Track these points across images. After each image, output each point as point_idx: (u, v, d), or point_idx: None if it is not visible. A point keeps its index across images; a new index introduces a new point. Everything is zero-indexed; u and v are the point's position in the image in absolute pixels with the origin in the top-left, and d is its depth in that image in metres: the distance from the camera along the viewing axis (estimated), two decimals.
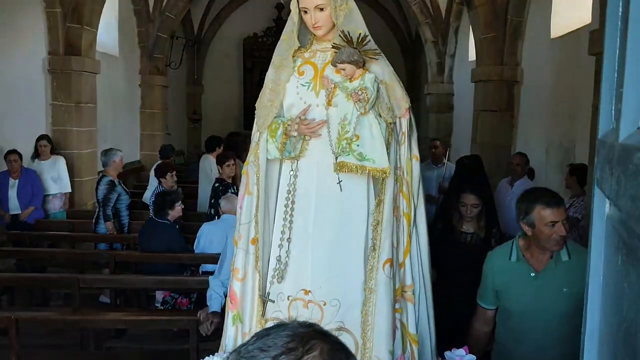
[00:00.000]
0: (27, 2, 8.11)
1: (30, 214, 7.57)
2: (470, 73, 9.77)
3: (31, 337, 4.75)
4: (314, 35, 3.08)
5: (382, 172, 2.75)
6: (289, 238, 2.86)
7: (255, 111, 3.06)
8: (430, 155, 8.09)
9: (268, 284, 2.89)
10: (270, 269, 2.90)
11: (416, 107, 17.00)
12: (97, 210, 6.91)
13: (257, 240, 2.93)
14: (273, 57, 3.13)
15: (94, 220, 6.92)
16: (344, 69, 2.78)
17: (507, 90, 9.04)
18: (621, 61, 0.81)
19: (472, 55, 10.54)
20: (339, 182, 2.81)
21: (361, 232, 2.83)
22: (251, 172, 2.98)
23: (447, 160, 7.37)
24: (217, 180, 6.90)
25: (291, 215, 2.88)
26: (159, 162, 8.71)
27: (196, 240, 5.93)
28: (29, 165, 7.93)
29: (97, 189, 6.89)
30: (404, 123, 2.96)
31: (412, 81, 17.46)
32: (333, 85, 2.84)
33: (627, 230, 0.73)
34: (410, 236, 3.02)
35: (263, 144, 2.94)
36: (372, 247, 2.83)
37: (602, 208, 1.04)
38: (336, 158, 2.76)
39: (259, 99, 3.07)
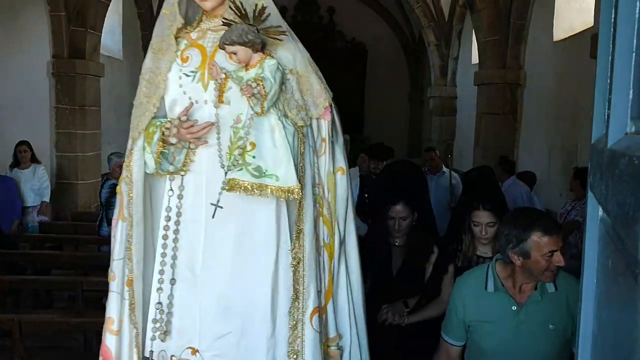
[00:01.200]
0: (31, 5, 8.15)
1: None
2: (474, 76, 9.78)
3: (35, 339, 4.77)
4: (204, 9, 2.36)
5: (289, 192, 2.10)
6: (172, 279, 2.22)
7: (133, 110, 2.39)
8: (425, 165, 7.39)
9: (149, 340, 2.26)
10: (149, 320, 2.25)
11: (419, 110, 17.11)
12: (101, 213, 6.93)
13: (133, 281, 2.23)
14: (152, 37, 2.40)
15: (97, 223, 6.94)
16: (234, 53, 2.15)
17: (510, 94, 9.06)
18: (611, 67, 0.83)
19: (475, 58, 10.56)
20: (216, 207, 2.16)
21: (267, 273, 2.17)
22: (124, 191, 2.29)
23: (449, 168, 7.08)
24: None
25: (174, 249, 2.23)
26: None
27: None
28: (7, 174, 7.53)
29: (100, 191, 6.91)
30: (323, 126, 2.38)
31: (416, 84, 17.50)
32: (224, 76, 2.18)
33: (615, 235, 0.74)
34: (333, 274, 2.38)
35: (138, 154, 2.26)
36: (295, 296, 2.19)
37: (595, 212, 1.05)
38: (226, 174, 2.12)
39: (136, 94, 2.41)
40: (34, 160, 7.69)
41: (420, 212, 3.49)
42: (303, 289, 2.21)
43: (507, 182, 6.50)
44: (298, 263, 2.19)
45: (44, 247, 7.18)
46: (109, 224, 6.72)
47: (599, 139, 0.98)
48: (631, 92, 0.74)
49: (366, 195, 5.71)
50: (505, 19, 8.94)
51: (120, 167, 7.10)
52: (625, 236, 0.62)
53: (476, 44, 9.87)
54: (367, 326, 2.55)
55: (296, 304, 2.19)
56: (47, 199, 7.92)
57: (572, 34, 7.33)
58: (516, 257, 2.52)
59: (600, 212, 1.03)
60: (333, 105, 2.44)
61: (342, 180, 2.42)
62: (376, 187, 4.78)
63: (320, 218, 2.32)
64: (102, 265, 6.72)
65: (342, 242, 2.43)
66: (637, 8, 0.73)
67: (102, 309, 6.59)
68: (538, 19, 8.55)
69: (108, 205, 6.74)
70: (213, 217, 2.16)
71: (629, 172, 0.62)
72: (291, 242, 2.20)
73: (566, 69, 7.43)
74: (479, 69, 9.60)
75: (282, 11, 17.06)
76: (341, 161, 2.47)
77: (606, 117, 0.86)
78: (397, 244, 3.43)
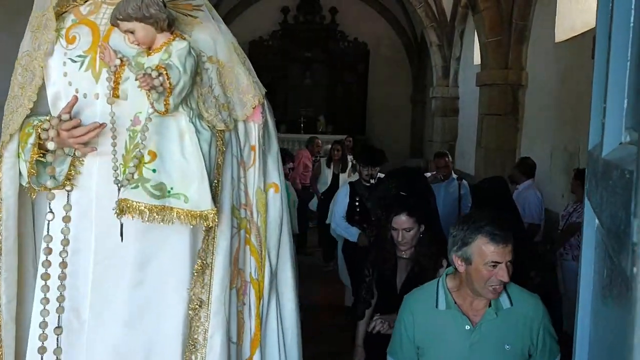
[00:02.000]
0: (30, 7, 8.14)
1: None
2: (475, 77, 9.77)
3: None
4: None
5: (201, 217, 1.59)
6: (58, 327, 1.68)
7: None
8: (439, 173, 6.97)
9: None
10: None
11: (421, 110, 17.11)
12: None
13: (2, 327, 1.70)
14: (32, 12, 1.97)
15: None
16: (131, 32, 1.62)
17: (512, 94, 9.04)
18: (606, 76, 0.83)
19: (477, 58, 10.55)
20: (121, 232, 1.62)
21: (177, 318, 1.70)
22: None
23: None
24: None
25: (60, 288, 1.69)
26: None
27: None
28: None
29: None
30: (252, 131, 1.92)
31: (418, 85, 17.50)
32: (119, 62, 1.65)
33: (609, 245, 0.74)
34: (261, 317, 1.91)
35: (9, 161, 1.72)
36: (193, 347, 1.71)
37: (592, 219, 1.05)
38: (119, 191, 1.60)
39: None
40: None
41: (426, 223, 3.32)
42: (204, 340, 1.71)
43: (522, 185, 6.46)
44: (200, 306, 1.69)
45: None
46: None
47: (595, 146, 0.98)
48: (626, 101, 0.74)
49: (357, 204, 5.55)
50: (507, 19, 8.93)
51: None
52: (617, 250, 0.62)
53: (478, 44, 9.86)
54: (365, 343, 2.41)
55: (193, 358, 1.70)
56: None
57: (574, 34, 7.32)
58: (459, 262, 2.35)
59: (596, 220, 1.03)
60: (267, 104, 1.97)
61: (275, 199, 1.95)
62: (377, 196, 4.48)
63: (247, 247, 1.84)
64: None
65: (274, 277, 1.95)
66: (632, 17, 0.73)
67: None
68: (540, 19, 8.54)
69: None
70: (106, 245, 1.66)
71: (621, 184, 0.62)
72: (192, 278, 1.70)
73: (568, 70, 7.41)
74: (480, 70, 9.59)
75: (284, 11, 17.15)
76: (274, 175, 1.98)
77: (601, 125, 0.86)
78: (403, 256, 3.26)
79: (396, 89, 17.63)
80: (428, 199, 3.97)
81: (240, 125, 1.88)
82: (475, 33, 9.95)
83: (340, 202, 5.72)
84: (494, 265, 2.24)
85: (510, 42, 8.95)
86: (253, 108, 1.88)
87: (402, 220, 3.17)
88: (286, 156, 7.15)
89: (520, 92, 9.04)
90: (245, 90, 1.87)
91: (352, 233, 5.55)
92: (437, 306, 2.40)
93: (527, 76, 8.95)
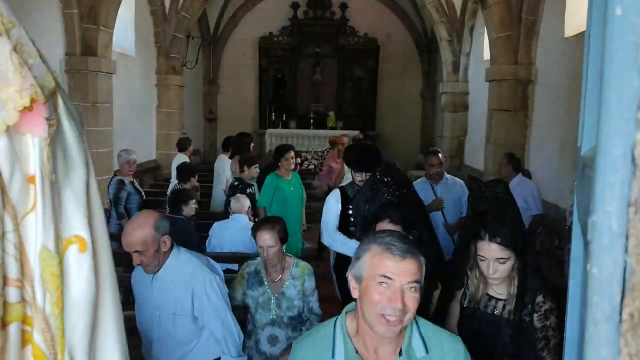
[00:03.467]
0: (44, 3, 8.22)
1: None
2: (485, 72, 9.74)
3: None
4: None
5: None
6: None
7: None
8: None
9: None
10: None
11: (431, 106, 17.07)
12: (109, 209, 7.00)
13: None
14: None
15: (106, 220, 7.00)
16: None
17: (521, 90, 9.01)
18: (586, 74, 0.83)
19: (487, 54, 10.52)
20: None
21: None
22: None
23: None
24: (237, 179, 6.95)
25: None
26: (181, 162, 8.16)
27: (208, 239, 5.99)
28: None
29: (108, 188, 6.99)
30: (30, 151, 1.05)
31: (428, 80, 17.46)
32: None
33: (584, 242, 0.75)
34: None
35: None
36: None
37: (577, 217, 1.05)
38: None
39: None
40: None
41: (415, 230, 2.89)
42: None
43: (514, 180, 6.35)
44: None
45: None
46: (120, 217, 6.82)
47: (579, 145, 0.99)
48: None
49: (350, 212, 4.72)
50: (516, 14, 8.90)
51: (128, 163, 7.13)
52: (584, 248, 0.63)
53: (488, 39, 9.83)
54: None
55: None
56: None
57: (583, 29, 7.27)
58: (353, 285, 1.89)
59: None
60: (63, 101, 1.18)
61: (81, 264, 1.15)
62: (361, 200, 3.68)
63: (29, 350, 1.06)
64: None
65: None
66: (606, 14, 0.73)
67: None
68: (549, 14, 8.50)
69: (116, 201, 6.80)
70: None
71: (589, 182, 0.62)
72: None
73: (577, 65, 7.37)
74: (490, 65, 9.55)
75: (294, 7, 17.15)
76: (79, 223, 1.16)
77: (581, 123, 0.87)
78: None
79: (406, 85, 17.61)
80: (420, 204, 3.36)
81: (2, 142, 1.01)
82: (485, 28, 9.92)
83: (331, 209, 4.84)
84: (385, 284, 1.77)
85: (520, 37, 8.92)
86: (19, 111, 1.00)
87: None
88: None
89: (530, 87, 9.01)
90: (3, 81, 0.99)
91: (352, 247, 4.42)
92: (333, 356, 1.87)
93: (537, 71, 8.92)
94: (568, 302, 1.17)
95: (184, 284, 3.26)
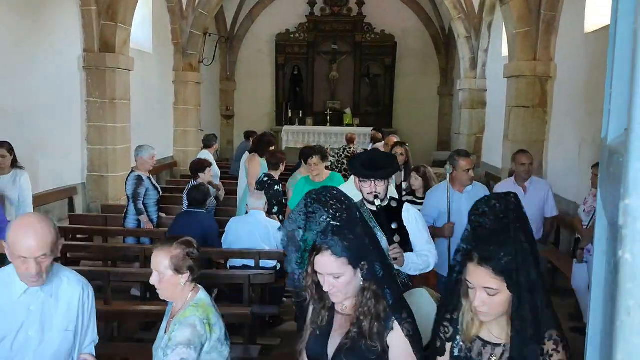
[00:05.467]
0: (62, 0, 8.27)
1: None
2: (503, 68, 9.66)
3: None
4: None
5: None
6: None
7: None
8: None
9: None
10: None
11: (449, 103, 16.99)
12: (127, 205, 7.03)
13: None
14: None
15: (123, 215, 7.05)
16: None
17: (540, 86, 8.92)
18: (612, 60, 0.81)
19: (505, 50, 10.43)
20: None
21: None
22: None
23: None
24: (267, 175, 6.99)
25: None
26: (195, 159, 8.12)
27: (224, 234, 6.01)
28: None
29: (126, 184, 7.02)
30: None
31: (445, 77, 17.36)
32: None
33: (610, 234, 0.72)
34: None
35: None
36: None
37: (601, 210, 1.03)
38: None
39: None
40: (15, 165, 6.16)
41: (365, 262, 2.26)
42: None
43: (527, 180, 5.88)
44: None
45: (75, 239, 7.31)
46: (139, 214, 6.86)
47: (605, 135, 0.96)
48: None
49: None
50: (535, 10, 8.81)
51: (152, 158, 7.16)
52: (612, 238, 0.61)
53: (506, 35, 9.74)
54: None
55: None
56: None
57: (603, 25, 7.18)
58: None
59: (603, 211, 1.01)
60: None
61: None
62: (290, 229, 2.68)
63: None
64: (129, 256, 6.88)
65: None
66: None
67: (128, 298, 6.74)
68: (569, 10, 8.40)
69: (134, 197, 6.83)
70: None
71: (618, 170, 0.60)
72: None
73: (597, 61, 7.27)
74: (509, 61, 9.47)
75: (311, 4, 17.13)
76: None
77: (607, 112, 0.85)
78: (340, 311, 2.38)
79: (423, 82, 17.53)
80: (367, 229, 2.44)
81: None
82: (504, 24, 9.83)
83: None
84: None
85: (539, 33, 8.83)
86: None
87: (325, 262, 2.21)
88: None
89: (549, 83, 8.92)
90: None
91: None
92: None
93: (556, 67, 8.82)
94: (591, 295, 1.15)
95: (65, 297, 2.78)
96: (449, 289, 2.27)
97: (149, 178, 7.00)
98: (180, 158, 13.05)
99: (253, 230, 5.82)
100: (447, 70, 17.32)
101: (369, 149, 10.40)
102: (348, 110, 17.57)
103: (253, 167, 7.73)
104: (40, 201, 7.88)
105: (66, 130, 8.50)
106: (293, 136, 16.31)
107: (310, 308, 2.42)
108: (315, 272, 2.27)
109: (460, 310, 2.19)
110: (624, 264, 0.52)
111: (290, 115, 17.36)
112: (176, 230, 5.85)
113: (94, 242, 7.39)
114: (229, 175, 10.97)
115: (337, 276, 2.21)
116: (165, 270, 2.82)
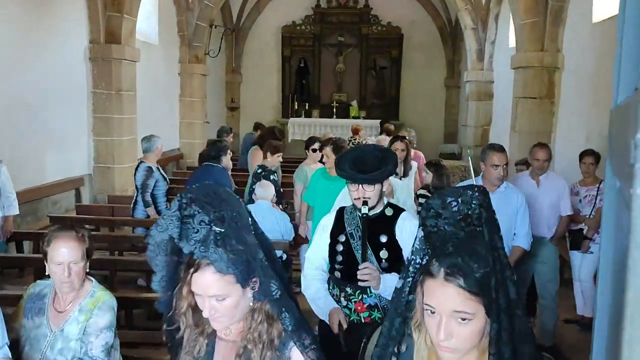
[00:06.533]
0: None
1: None
2: (510, 59, 9.61)
3: None
4: None
5: None
6: None
7: None
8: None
9: None
10: None
11: (456, 95, 16.92)
12: (136, 195, 7.04)
13: None
14: None
15: (132, 205, 7.06)
16: None
17: (547, 77, 8.88)
18: (622, 24, 0.79)
19: (512, 41, 10.38)
20: None
21: None
22: None
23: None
24: (260, 166, 6.96)
25: None
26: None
27: None
28: None
29: (135, 175, 7.01)
30: None
31: (452, 69, 17.30)
32: None
33: (620, 188, 0.71)
34: None
35: None
36: None
37: (611, 179, 1.02)
38: None
39: None
40: None
41: (254, 275, 1.78)
42: None
43: (543, 175, 5.51)
44: None
45: (82, 229, 7.33)
46: (146, 206, 6.87)
47: (615, 102, 0.95)
48: None
49: (342, 247, 3.37)
50: (543, 0, 8.75)
51: (158, 148, 7.17)
52: (623, 181, 0.60)
53: (513, 26, 9.69)
54: None
55: None
56: (15, 210, 6.02)
57: (611, 15, 7.13)
58: None
59: (617, 181, 1.00)
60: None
61: None
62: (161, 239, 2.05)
63: None
64: (136, 246, 6.90)
65: None
66: None
67: (134, 287, 6.75)
68: (577, 0, 8.35)
69: (143, 188, 6.84)
70: None
71: (629, 119, 0.59)
72: None
73: (605, 51, 7.23)
74: (516, 52, 9.42)
75: None
76: None
77: (617, 76, 0.83)
78: (223, 337, 1.92)
79: (430, 74, 17.47)
80: (264, 238, 1.92)
81: None
82: (511, 15, 9.78)
83: (317, 240, 3.45)
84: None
85: (546, 24, 8.78)
86: None
87: (206, 281, 1.73)
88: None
89: (556, 74, 8.87)
90: None
91: (322, 307, 3.29)
92: None
93: (564, 58, 8.77)
94: (601, 254, 1.14)
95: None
96: (396, 315, 1.68)
97: (158, 169, 7.00)
98: (186, 150, 13.07)
99: (259, 220, 5.80)
100: (454, 62, 17.26)
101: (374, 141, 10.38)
102: (354, 103, 17.54)
103: (256, 161, 7.73)
104: (48, 192, 7.91)
105: (73, 122, 8.51)
106: (299, 128, 16.31)
107: (185, 335, 1.89)
108: (192, 293, 1.77)
109: (411, 345, 1.64)
110: (636, 199, 0.51)
111: (296, 107, 17.35)
112: (191, 182, 6.20)
113: (100, 232, 7.42)
114: (237, 168, 10.97)
115: (221, 298, 1.73)
116: (82, 258, 2.78)
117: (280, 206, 6.70)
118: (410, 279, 1.62)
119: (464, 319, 1.44)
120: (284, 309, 1.76)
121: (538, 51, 8.88)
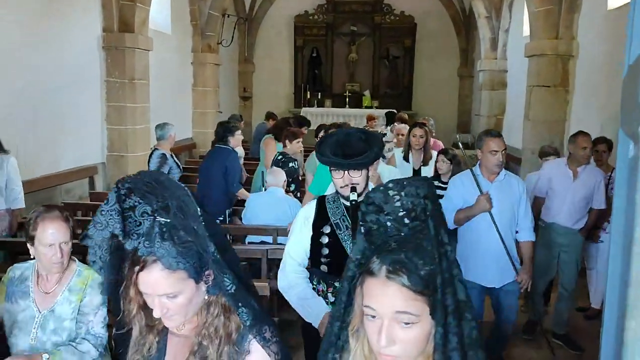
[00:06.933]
0: None
1: None
2: (524, 48, 9.53)
3: None
4: None
5: None
6: None
7: None
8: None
9: None
10: None
11: (469, 84, 16.82)
12: None
13: None
14: None
15: None
16: None
17: (561, 65, 8.79)
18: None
19: (526, 30, 10.29)
20: None
21: None
22: None
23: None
24: (281, 153, 7.00)
25: None
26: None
27: (244, 211, 6.04)
28: None
29: (149, 162, 7.04)
30: None
31: (465, 58, 17.20)
32: None
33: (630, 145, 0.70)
34: None
35: None
36: None
37: (625, 148, 1.00)
38: None
39: None
40: (0, 150, 5.59)
41: (207, 268, 1.65)
42: None
43: (580, 169, 5.38)
44: None
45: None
46: None
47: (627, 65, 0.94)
48: None
49: (328, 239, 3.19)
50: None
51: (172, 136, 7.24)
52: (630, 135, 0.59)
53: (527, 14, 9.60)
54: None
55: None
56: (21, 204, 5.74)
57: (627, 1, 7.05)
58: None
59: (631, 149, 0.99)
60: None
61: None
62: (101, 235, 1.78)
63: None
64: None
65: None
66: None
67: None
68: None
69: None
70: None
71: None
72: None
73: (620, 39, 7.14)
74: (530, 40, 9.34)
75: None
76: None
77: (630, 38, 0.82)
78: (178, 331, 1.78)
79: (443, 63, 17.38)
80: (215, 226, 1.74)
81: None
82: (525, 3, 9.68)
83: (296, 233, 3.22)
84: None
85: (561, 11, 8.68)
86: None
87: (154, 280, 1.57)
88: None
89: (571, 62, 8.78)
90: None
91: (310, 310, 3.04)
92: None
93: (578, 46, 8.68)
94: (611, 247, 1.13)
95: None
96: (335, 319, 1.50)
97: (172, 156, 7.02)
98: (199, 139, 13.10)
99: (271, 207, 5.83)
100: (467, 51, 17.15)
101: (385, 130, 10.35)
102: (367, 93, 17.49)
103: (269, 150, 7.75)
104: (62, 180, 7.96)
105: (86, 110, 8.55)
106: (312, 118, 16.26)
107: (134, 334, 1.77)
108: (140, 293, 1.62)
109: (349, 353, 1.47)
110: None
111: (309, 97, 17.34)
112: (204, 164, 6.73)
113: None
114: (250, 157, 11.01)
115: (172, 296, 1.59)
116: (71, 238, 2.81)
117: (299, 194, 6.71)
118: (350, 279, 1.43)
119: (407, 323, 1.28)
120: (240, 304, 1.63)
121: (552, 39, 8.79)
